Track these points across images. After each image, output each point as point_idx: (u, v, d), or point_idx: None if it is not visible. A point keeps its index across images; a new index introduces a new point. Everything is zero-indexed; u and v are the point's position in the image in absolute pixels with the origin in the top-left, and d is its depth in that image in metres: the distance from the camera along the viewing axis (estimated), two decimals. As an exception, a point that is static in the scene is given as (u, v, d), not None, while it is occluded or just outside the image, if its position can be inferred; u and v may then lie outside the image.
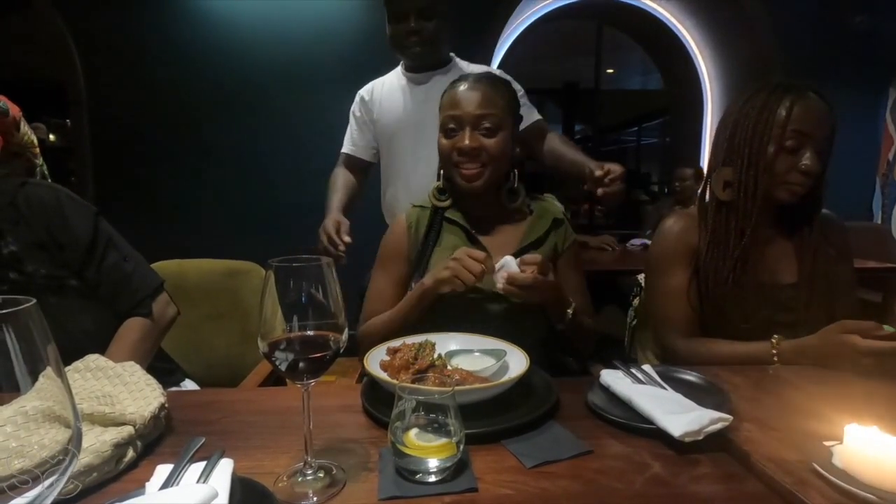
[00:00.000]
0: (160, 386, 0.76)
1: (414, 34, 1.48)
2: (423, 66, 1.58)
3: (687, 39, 4.00)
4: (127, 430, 0.63)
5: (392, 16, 1.50)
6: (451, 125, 1.06)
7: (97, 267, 1.00)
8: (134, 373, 0.80)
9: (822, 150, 1.01)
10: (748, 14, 3.30)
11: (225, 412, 0.78)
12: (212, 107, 3.06)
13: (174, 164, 3.08)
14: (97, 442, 0.59)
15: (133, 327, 1.02)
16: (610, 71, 6.57)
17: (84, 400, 0.69)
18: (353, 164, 1.70)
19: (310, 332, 0.55)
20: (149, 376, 0.78)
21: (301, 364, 0.55)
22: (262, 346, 0.55)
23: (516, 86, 1.30)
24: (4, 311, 0.30)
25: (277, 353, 0.54)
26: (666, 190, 5.30)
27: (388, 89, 1.63)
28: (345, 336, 0.57)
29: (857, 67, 3.25)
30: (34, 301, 0.31)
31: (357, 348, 0.98)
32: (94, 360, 0.80)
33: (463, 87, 1.07)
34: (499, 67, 3.95)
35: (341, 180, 1.66)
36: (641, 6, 3.93)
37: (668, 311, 1.12)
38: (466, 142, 1.03)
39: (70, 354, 0.76)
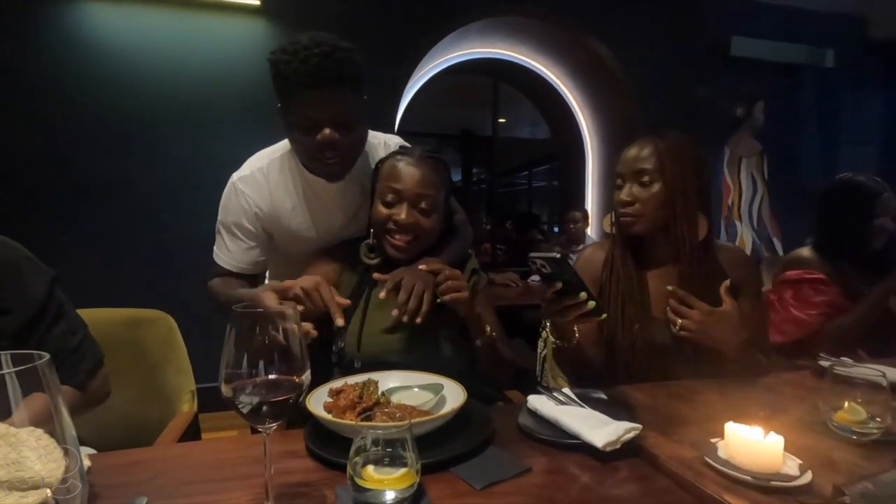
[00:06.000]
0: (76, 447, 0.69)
1: (330, 147, 1.09)
2: (340, 176, 1.19)
3: (569, 98, 4.55)
4: (43, 493, 0.58)
5: (294, 122, 1.09)
6: (390, 197, 1.10)
7: (40, 337, 0.89)
8: (40, 437, 0.71)
9: (645, 183, 1.14)
10: (617, 80, 3.87)
11: (155, 471, 0.73)
12: (94, 142, 2.79)
13: (51, 205, 2.74)
14: (21, 512, 0.53)
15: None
16: (502, 120, 7.13)
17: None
18: (235, 277, 1.27)
19: (272, 376, 0.57)
20: (54, 441, 0.71)
21: (265, 407, 0.56)
22: (226, 391, 0.55)
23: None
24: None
25: (242, 398, 0.55)
26: (556, 229, 5.79)
27: (285, 198, 1.23)
28: (307, 378, 0.59)
29: (700, 129, 3.93)
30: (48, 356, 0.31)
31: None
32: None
33: (408, 161, 1.12)
34: (403, 114, 4.16)
35: (232, 284, 1.23)
36: (531, 67, 4.42)
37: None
38: (403, 216, 1.09)
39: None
